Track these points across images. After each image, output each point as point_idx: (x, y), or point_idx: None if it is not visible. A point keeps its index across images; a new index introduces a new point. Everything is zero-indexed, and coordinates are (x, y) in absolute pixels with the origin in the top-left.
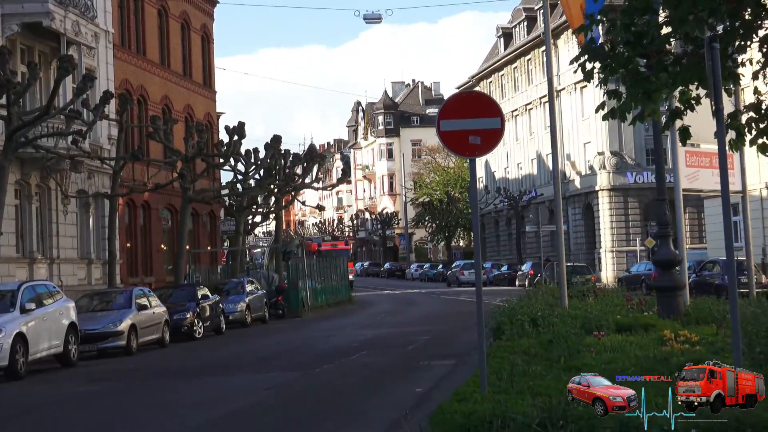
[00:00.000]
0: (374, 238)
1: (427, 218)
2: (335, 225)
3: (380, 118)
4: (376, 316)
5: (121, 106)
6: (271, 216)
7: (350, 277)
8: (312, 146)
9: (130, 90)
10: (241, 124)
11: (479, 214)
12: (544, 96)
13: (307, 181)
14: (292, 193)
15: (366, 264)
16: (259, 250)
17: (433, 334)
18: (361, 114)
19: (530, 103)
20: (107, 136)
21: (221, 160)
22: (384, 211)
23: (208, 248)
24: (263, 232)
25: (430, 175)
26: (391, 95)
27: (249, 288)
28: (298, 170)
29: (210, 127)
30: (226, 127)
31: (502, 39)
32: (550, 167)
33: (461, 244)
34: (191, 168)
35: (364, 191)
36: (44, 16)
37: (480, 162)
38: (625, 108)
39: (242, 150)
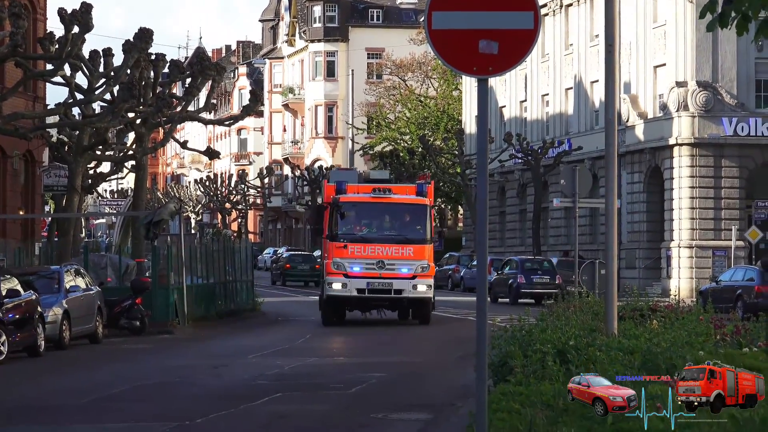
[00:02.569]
0: (297, 208)
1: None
2: (233, 184)
3: (317, 10)
4: (299, 337)
5: None
6: (129, 164)
7: (424, 285)
8: (201, 51)
9: None
10: (86, 8)
11: (473, 177)
12: None
13: (190, 108)
14: (166, 126)
15: (281, 251)
16: (104, 220)
17: (394, 370)
18: (284, 1)
19: None
20: None
21: (50, 67)
22: (316, 165)
23: (21, 213)
24: (113, 191)
25: (396, 109)
26: None
27: (71, 282)
28: (178, 89)
29: (33, 10)
30: (61, 12)
31: None
32: (597, 104)
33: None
34: None
35: (285, 130)
36: None
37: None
38: (753, 7)
39: (85, 51)
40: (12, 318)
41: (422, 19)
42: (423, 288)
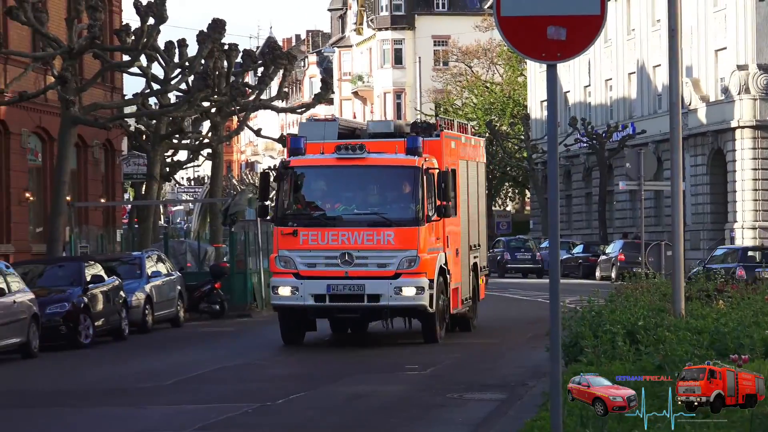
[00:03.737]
0: None
1: None
2: None
3: (383, 0)
4: None
5: None
6: (205, 152)
7: (413, 288)
8: (272, 41)
9: None
10: (161, 0)
11: (542, 161)
12: None
13: (263, 97)
14: (240, 115)
15: None
16: (182, 206)
17: (467, 350)
18: None
19: None
20: None
21: (126, 58)
22: None
23: (102, 200)
24: (190, 179)
25: (463, 95)
26: None
27: (153, 268)
28: (250, 78)
29: (109, 2)
30: (137, 4)
31: None
32: (660, 88)
33: (509, 207)
34: (77, 68)
35: (354, 116)
36: None
37: (544, 74)
38: None
39: (161, 42)
40: (96, 303)
41: (488, 5)
42: (410, 292)
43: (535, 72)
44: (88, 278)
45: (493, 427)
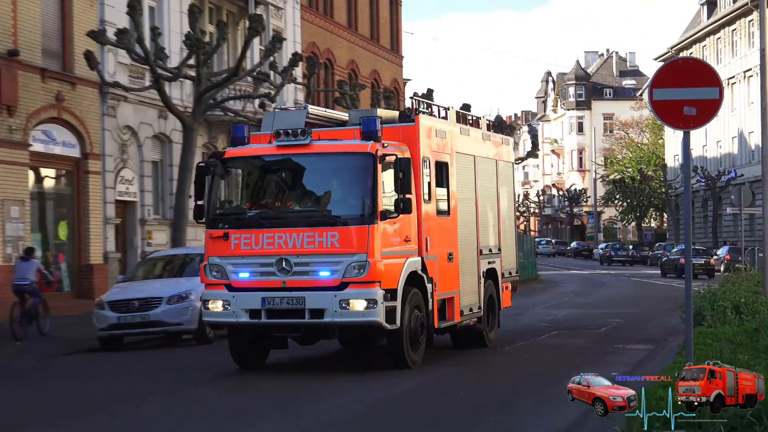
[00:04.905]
0: (561, 215)
1: (617, 196)
2: (521, 200)
3: (571, 90)
4: (564, 296)
5: (308, 70)
6: None
7: (363, 301)
8: (499, 117)
9: (317, 53)
10: (430, 92)
11: (675, 194)
12: (749, 69)
13: None
14: None
15: (552, 242)
16: None
17: (626, 318)
18: (550, 84)
19: (733, 77)
20: (294, 101)
21: None
22: (572, 188)
23: None
24: None
25: (622, 152)
26: (583, 65)
27: None
28: None
29: (397, 94)
30: (414, 95)
31: (705, 7)
32: (752, 146)
33: (652, 224)
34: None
35: (552, 166)
36: None
37: (677, 137)
38: None
39: None
40: None
41: (639, 94)
42: (359, 305)
43: (670, 135)
44: None
45: (647, 367)
